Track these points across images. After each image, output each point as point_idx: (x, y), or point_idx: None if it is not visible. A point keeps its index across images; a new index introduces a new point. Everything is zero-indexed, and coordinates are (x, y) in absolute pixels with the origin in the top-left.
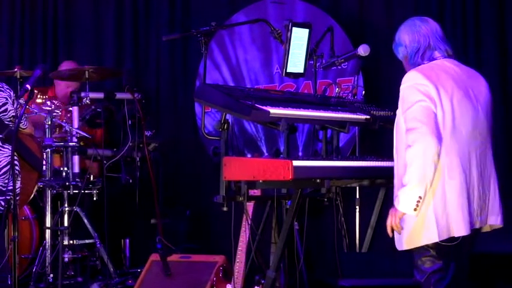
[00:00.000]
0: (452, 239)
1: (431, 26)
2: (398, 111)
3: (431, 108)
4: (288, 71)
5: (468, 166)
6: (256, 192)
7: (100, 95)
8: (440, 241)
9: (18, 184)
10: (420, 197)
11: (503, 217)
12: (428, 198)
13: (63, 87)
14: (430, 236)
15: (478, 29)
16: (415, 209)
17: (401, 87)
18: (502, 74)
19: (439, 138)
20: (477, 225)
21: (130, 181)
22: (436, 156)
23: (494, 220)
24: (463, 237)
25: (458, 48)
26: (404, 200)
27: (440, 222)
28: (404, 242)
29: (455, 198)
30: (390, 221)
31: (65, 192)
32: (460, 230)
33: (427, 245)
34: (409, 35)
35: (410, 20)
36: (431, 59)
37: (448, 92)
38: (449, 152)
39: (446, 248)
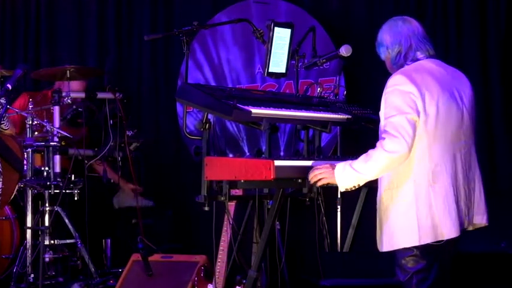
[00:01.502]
0: (437, 240)
1: (413, 26)
2: (381, 113)
3: (414, 121)
4: (269, 70)
5: (454, 167)
6: (237, 192)
7: (81, 95)
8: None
9: None
10: (359, 185)
11: (488, 216)
12: (410, 201)
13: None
14: (410, 239)
15: (460, 27)
16: (346, 189)
17: (386, 91)
18: (483, 72)
19: (409, 155)
20: (466, 225)
21: (112, 181)
22: (396, 168)
23: (480, 219)
24: (448, 239)
25: (440, 46)
26: (347, 178)
27: (423, 225)
28: (385, 243)
29: (442, 202)
30: (318, 175)
31: (46, 192)
32: (450, 232)
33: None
34: (390, 36)
35: (392, 20)
36: (415, 59)
37: (433, 95)
38: (433, 156)
39: (431, 248)
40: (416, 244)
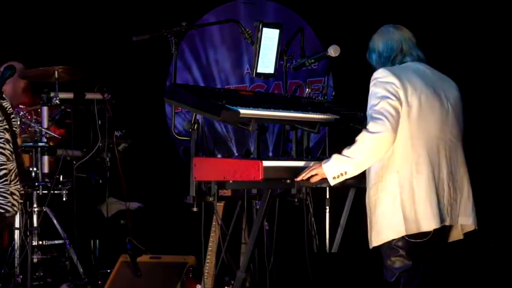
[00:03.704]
0: (422, 236)
1: (405, 32)
2: (367, 111)
3: (398, 107)
4: (258, 71)
5: (437, 161)
6: (226, 192)
7: (69, 95)
8: (410, 238)
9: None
10: (346, 173)
11: (475, 219)
12: (395, 193)
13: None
14: (397, 230)
15: (447, 33)
16: (334, 178)
17: (370, 84)
18: (469, 81)
19: (395, 139)
20: (447, 222)
21: (100, 181)
22: (385, 154)
23: (466, 220)
24: (432, 235)
25: (426, 53)
26: (334, 165)
27: (408, 216)
28: (373, 239)
29: (424, 193)
30: (309, 173)
31: (34, 192)
32: (429, 224)
33: (396, 245)
34: (382, 42)
35: (384, 27)
36: (402, 63)
37: (416, 89)
38: (417, 147)
39: (416, 247)
40: (403, 234)
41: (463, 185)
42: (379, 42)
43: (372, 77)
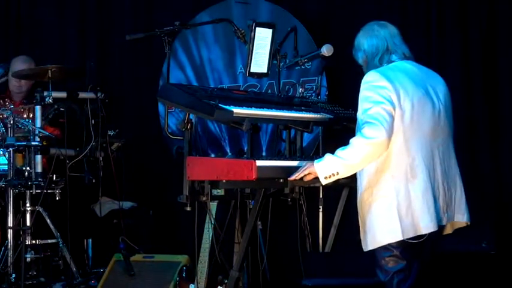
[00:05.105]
0: (418, 237)
1: (390, 29)
2: (358, 114)
3: (392, 112)
4: (251, 71)
5: (432, 163)
6: (219, 192)
7: (63, 94)
8: (406, 239)
9: None
10: (338, 173)
11: (469, 215)
12: (390, 197)
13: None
14: (394, 235)
15: (441, 26)
16: (325, 178)
17: (361, 88)
18: (464, 79)
19: (389, 144)
20: (444, 223)
21: (94, 181)
22: (378, 158)
23: (461, 218)
24: (428, 235)
25: (421, 51)
26: (326, 164)
27: (405, 220)
28: (369, 242)
29: (421, 197)
30: (302, 172)
31: (27, 191)
32: (427, 227)
33: (390, 245)
34: (367, 40)
35: (368, 25)
36: (389, 62)
37: (407, 91)
38: (411, 150)
39: (411, 247)
40: (400, 239)
41: (456, 182)
42: (363, 40)
43: (363, 80)
